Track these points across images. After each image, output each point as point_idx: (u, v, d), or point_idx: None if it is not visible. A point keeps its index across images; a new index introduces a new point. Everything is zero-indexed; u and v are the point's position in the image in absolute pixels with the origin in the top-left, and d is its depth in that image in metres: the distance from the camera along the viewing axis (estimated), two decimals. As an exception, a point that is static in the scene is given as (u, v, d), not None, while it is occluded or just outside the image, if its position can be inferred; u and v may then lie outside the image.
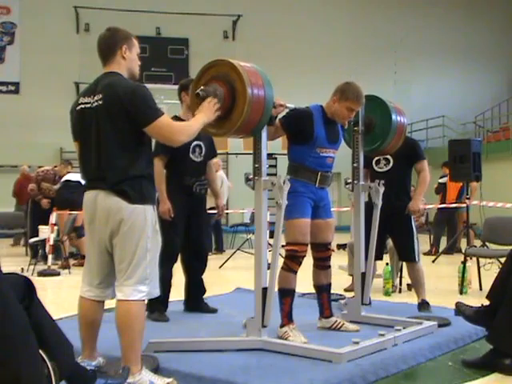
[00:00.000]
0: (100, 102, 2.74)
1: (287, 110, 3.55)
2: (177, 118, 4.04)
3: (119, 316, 2.72)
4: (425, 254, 9.64)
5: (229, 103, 3.01)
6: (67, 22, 17.40)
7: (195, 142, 4.11)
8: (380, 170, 4.50)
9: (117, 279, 2.77)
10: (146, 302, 2.82)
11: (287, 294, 3.55)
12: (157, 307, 4.05)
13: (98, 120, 2.75)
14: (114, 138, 2.72)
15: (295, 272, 3.47)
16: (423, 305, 4.54)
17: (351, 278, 5.10)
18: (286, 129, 3.56)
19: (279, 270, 3.53)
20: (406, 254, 4.63)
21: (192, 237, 4.24)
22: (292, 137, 3.56)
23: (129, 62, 2.88)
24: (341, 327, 3.83)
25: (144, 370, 2.75)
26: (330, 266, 3.87)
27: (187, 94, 3.97)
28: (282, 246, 3.67)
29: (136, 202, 2.71)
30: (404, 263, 5.09)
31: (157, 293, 2.82)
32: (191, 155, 4.16)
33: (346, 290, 5.49)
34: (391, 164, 4.63)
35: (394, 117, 4.05)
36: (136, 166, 2.74)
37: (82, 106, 2.85)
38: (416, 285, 4.65)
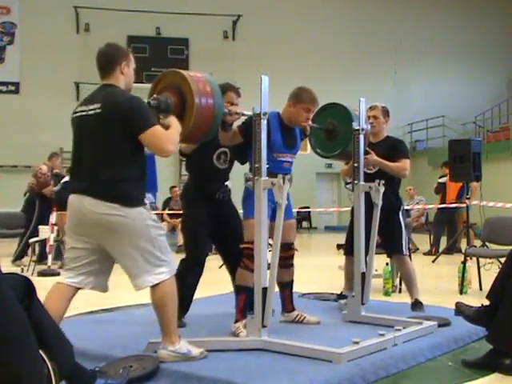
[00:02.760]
0: (98, 110, 2.89)
1: (246, 117, 3.62)
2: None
3: (153, 300, 2.95)
4: (425, 253, 9.66)
5: (179, 112, 3.08)
6: (67, 22, 17.41)
7: (220, 149, 3.99)
8: (369, 171, 4.47)
9: (135, 274, 2.92)
10: (171, 276, 2.97)
11: (243, 291, 3.62)
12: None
13: (95, 126, 2.90)
14: (109, 143, 2.87)
15: (252, 270, 3.45)
16: (416, 304, 4.53)
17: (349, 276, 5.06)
18: (243, 135, 3.62)
19: (238, 268, 3.64)
20: (392, 246, 4.61)
21: (229, 245, 4.08)
22: (250, 142, 3.57)
23: (127, 76, 3.06)
24: (303, 320, 4.00)
25: (182, 340, 3.02)
26: (292, 265, 3.98)
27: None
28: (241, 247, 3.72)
29: (127, 205, 2.85)
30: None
31: (174, 269, 3.01)
32: (216, 162, 4.03)
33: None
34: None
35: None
36: (128, 171, 2.89)
37: (79, 113, 3.00)
38: (407, 283, 4.63)
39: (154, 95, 3.09)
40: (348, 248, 4.59)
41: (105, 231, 2.89)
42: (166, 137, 2.89)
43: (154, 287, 2.92)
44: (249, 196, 3.58)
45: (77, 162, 3.05)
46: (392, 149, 4.59)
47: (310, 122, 3.96)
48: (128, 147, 2.88)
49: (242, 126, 3.65)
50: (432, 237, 10.22)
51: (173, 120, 2.99)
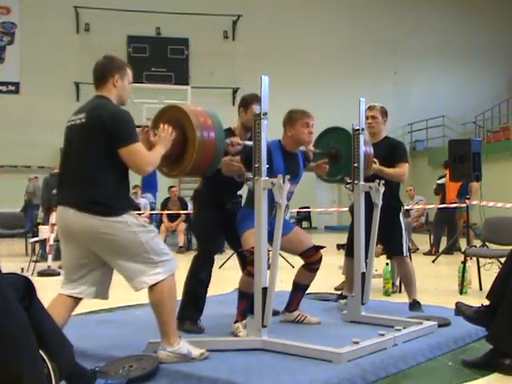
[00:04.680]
0: (83, 120, 2.93)
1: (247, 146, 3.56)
2: (230, 131, 3.95)
3: (150, 300, 2.95)
4: (425, 254, 9.66)
5: (180, 147, 3.09)
6: (67, 22, 17.41)
7: None
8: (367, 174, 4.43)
9: (130, 277, 2.93)
10: (169, 275, 2.95)
11: (245, 297, 3.64)
12: (188, 314, 3.80)
13: (79, 135, 2.94)
14: (90, 153, 2.90)
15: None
16: (414, 305, 4.53)
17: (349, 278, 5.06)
18: (245, 164, 3.60)
19: (241, 275, 3.66)
20: (393, 247, 4.61)
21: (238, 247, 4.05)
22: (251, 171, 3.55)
23: (119, 89, 3.07)
24: (303, 320, 4.02)
25: (182, 341, 3.01)
26: (317, 269, 3.98)
27: (245, 111, 3.93)
28: (243, 254, 3.76)
29: (108, 215, 2.86)
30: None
31: (175, 264, 3.00)
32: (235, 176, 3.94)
33: (336, 289, 5.49)
34: None
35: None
36: (108, 181, 2.90)
37: (69, 123, 3.04)
38: (406, 284, 4.63)
39: (156, 131, 3.10)
40: (347, 249, 4.60)
41: (92, 242, 2.90)
42: (145, 156, 2.90)
43: (151, 287, 2.93)
44: (244, 217, 3.70)
45: (62, 172, 3.08)
46: (391, 152, 4.54)
47: (312, 148, 4.00)
48: (109, 158, 2.88)
49: (243, 156, 3.62)
50: (432, 237, 10.22)
51: (158, 143, 3.00)
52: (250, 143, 3.48)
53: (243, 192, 4.05)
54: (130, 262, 2.90)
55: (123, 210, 2.91)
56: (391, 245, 4.65)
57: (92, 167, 2.89)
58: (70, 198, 2.92)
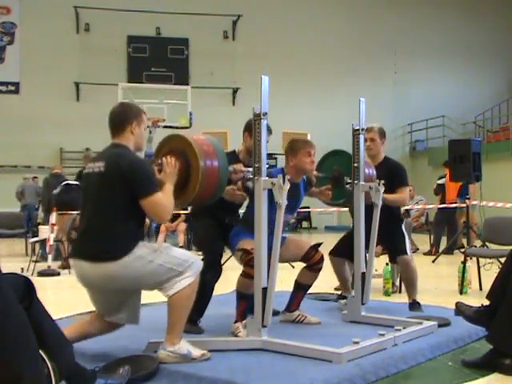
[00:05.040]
0: (102, 169, 2.95)
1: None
2: (234, 154, 4.00)
3: (168, 299, 2.97)
4: (425, 253, 9.65)
5: (184, 177, 3.11)
6: (67, 22, 17.40)
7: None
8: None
9: (163, 290, 2.99)
10: (196, 278, 3.00)
11: (244, 298, 3.65)
12: (189, 316, 3.61)
13: (97, 184, 2.97)
14: (108, 203, 2.92)
15: (253, 277, 3.45)
16: (414, 305, 4.54)
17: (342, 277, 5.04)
18: (247, 193, 3.64)
19: (238, 276, 3.65)
20: (397, 248, 4.59)
21: None
22: (252, 199, 3.56)
23: (137, 137, 3.10)
24: (304, 320, 4.04)
25: (182, 341, 3.01)
26: (320, 269, 3.99)
27: (250, 135, 3.81)
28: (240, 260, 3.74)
29: (125, 255, 2.87)
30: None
31: (199, 263, 3.05)
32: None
33: (336, 289, 5.49)
34: None
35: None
36: (126, 229, 2.93)
37: (87, 170, 3.08)
38: (408, 284, 4.61)
39: (159, 160, 3.11)
40: (337, 249, 4.58)
41: (115, 285, 2.95)
42: (166, 207, 2.94)
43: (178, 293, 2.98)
44: (238, 233, 3.76)
45: (80, 221, 3.13)
46: (391, 176, 4.46)
47: (315, 172, 4.02)
48: (127, 207, 2.92)
49: (245, 184, 3.64)
50: (432, 237, 10.22)
51: (166, 182, 3.02)
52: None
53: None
54: (158, 284, 2.96)
55: (132, 247, 2.92)
56: (394, 247, 4.65)
57: (109, 217, 2.92)
58: (85, 250, 2.94)
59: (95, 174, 2.98)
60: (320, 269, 3.98)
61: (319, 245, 4.01)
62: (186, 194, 3.13)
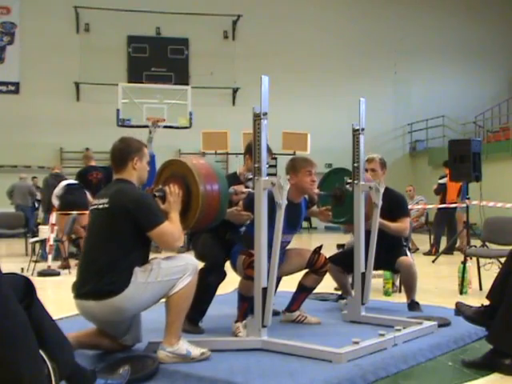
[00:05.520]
0: (106, 206, 3.01)
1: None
2: (235, 176, 4.01)
3: (166, 299, 3.02)
4: (425, 254, 9.65)
5: (185, 203, 3.12)
6: (67, 22, 17.40)
7: None
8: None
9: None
10: (193, 277, 3.04)
11: (246, 300, 3.65)
12: (191, 316, 3.58)
13: (101, 220, 3.03)
14: (113, 239, 2.97)
15: (253, 279, 3.45)
16: (413, 305, 4.54)
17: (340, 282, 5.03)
18: (247, 210, 3.61)
19: (240, 278, 3.66)
20: (395, 255, 4.57)
21: None
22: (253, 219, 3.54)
23: (139, 171, 3.16)
24: (304, 320, 4.04)
25: (182, 341, 3.03)
26: (325, 273, 4.01)
27: (251, 158, 3.71)
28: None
29: (126, 287, 2.92)
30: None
31: (195, 263, 3.11)
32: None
33: (336, 289, 5.49)
34: None
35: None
36: (129, 264, 2.96)
37: (93, 207, 3.13)
38: (407, 284, 4.59)
39: (160, 186, 3.15)
40: (339, 259, 4.56)
41: (120, 316, 2.99)
42: (173, 234, 2.98)
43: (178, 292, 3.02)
44: (238, 251, 3.77)
45: (82, 259, 3.14)
46: (392, 206, 4.47)
47: (316, 190, 4.01)
48: (132, 242, 2.97)
49: (245, 203, 3.64)
50: (432, 237, 10.21)
51: (171, 212, 3.05)
52: (253, 191, 3.43)
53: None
54: (163, 296, 3.02)
55: (130, 277, 2.95)
56: (392, 256, 4.59)
57: (111, 253, 2.94)
58: (88, 289, 2.95)
59: (100, 211, 3.03)
60: (325, 272, 4.00)
61: (320, 248, 4.00)
62: (186, 219, 3.14)
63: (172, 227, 2.99)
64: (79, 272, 3.08)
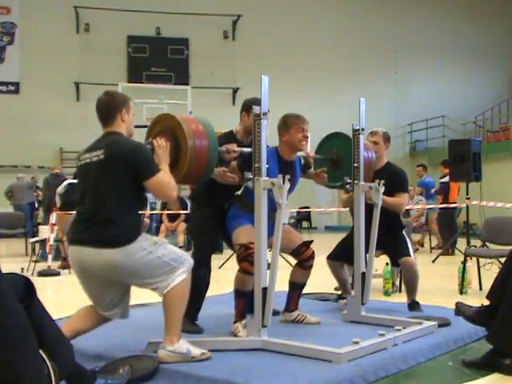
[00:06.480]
0: (101, 157, 2.97)
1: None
2: (231, 134, 3.97)
3: (163, 298, 3.00)
4: (442, 254, 9.56)
5: (173, 156, 3.13)
6: (67, 22, 17.41)
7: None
8: (369, 201, 4.35)
9: (151, 287, 3.03)
10: (188, 275, 3.04)
11: (242, 296, 3.64)
12: (187, 313, 3.41)
13: (97, 172, 2.98)
14: (111, 189, 2.95)
15: (252, 273, 3.44)
16: (414, 305, 4.53)
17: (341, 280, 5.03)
18: (241, 170, 3.58)
19: (236, 273, 3.62)
20: (399, 253, 4.55)
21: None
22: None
23: (127, 123, 3.14)
24: (303, 320, 4.02)
25: (182, 340, 3.02)
26: (311, 266, 3.95)
27: (248, 115, 3.81)
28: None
29: (127, 243, 2.91)
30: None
31: (190, 259, 3.10)
32: None
33: (336, 289, 5.49)
34: None
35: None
36: (127, 215, 2.95)
37: (83, 161, 3.08)
38: (409, 285, 4.57)
39: (150, 139, 3.14)
40: (336, 253, 4.57)
41: (114, 273, 2.96)
42: (169, 183, 2.98)
43: (171, 289, 3.00)
44: (234, 216, 3.75)
45: (78, 210, 3.11)
46: (392, 180, 4.40)
47: (312, 153, 3.99)
48: (129, 192, 2.97)
49: (239, 162, 3.62)
50: (442, 240, 10.15)
51: (161, 163, 3.04)
52: (246, 150, 3.47)
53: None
54: (154, 278, 2.97)
55: (137, 235, 2.97)
56: (396, 251, 4.60)
57: (111, 203, 2.93)
58: (87, 237, 2.94)
59: (94, 163, 2.98)
60: (311, 266, 3.94)
61: (310, 242, 3.98)
62: (174, 174, 3.13)
63: (168, 176, 2.99)
64: (77, 222, 3.05)
